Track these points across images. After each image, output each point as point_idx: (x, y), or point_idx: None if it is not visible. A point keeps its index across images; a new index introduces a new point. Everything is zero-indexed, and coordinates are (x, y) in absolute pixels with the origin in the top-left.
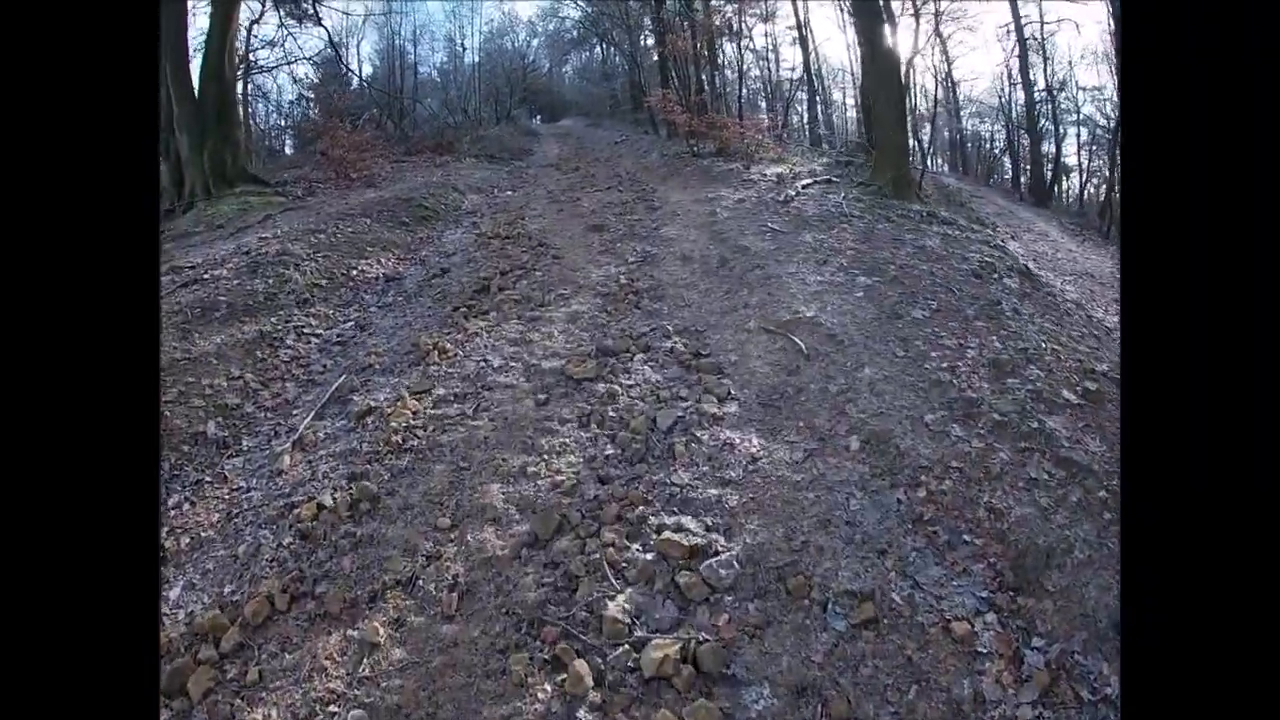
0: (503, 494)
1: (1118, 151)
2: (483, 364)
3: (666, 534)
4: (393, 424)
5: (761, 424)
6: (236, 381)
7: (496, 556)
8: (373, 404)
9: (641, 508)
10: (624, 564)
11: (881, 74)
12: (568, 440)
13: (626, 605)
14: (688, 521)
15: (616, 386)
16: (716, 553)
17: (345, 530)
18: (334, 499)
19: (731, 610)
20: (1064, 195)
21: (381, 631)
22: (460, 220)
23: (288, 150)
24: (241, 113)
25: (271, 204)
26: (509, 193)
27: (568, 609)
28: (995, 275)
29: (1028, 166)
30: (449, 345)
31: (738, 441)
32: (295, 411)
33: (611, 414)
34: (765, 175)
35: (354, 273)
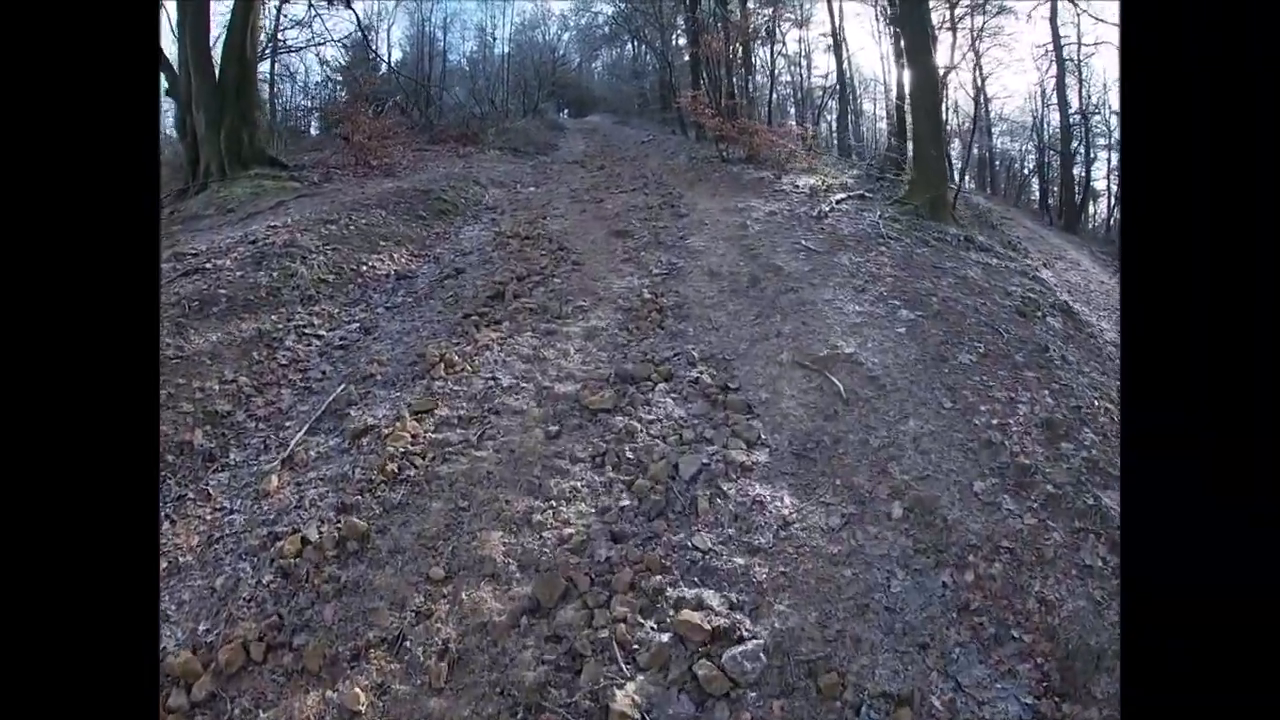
0: (504, 545)
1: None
2: (491, 382)
3: (685, 612)
4: (389, 448)
5: (794, 478)
6: (229, 385)
7: (493, 622)
8: (370, 421)
9: (658, 576)
10: (636, 645)
11: (923, 90)
12: (579, 484)
13: (636, 696)
14: (710, 596)
15: (635, 422)
16: (741, 638)
17: (329, 573)
18: (320, 533)
19: (754, 709)
20: (1091, 220)
21: (363, 698)
22: (479, 216)
23: (313, 132)
24: (267, 92)
25: (286, 189)
26: (531, 189)
27: (570, 694)
28: (1039, 314)
29: (1055, 189)
30: (457, 358)
31: (768, 499)
32: (288, 423)
33: (629, 455)
34: (797, 186)
35: (364, 268)
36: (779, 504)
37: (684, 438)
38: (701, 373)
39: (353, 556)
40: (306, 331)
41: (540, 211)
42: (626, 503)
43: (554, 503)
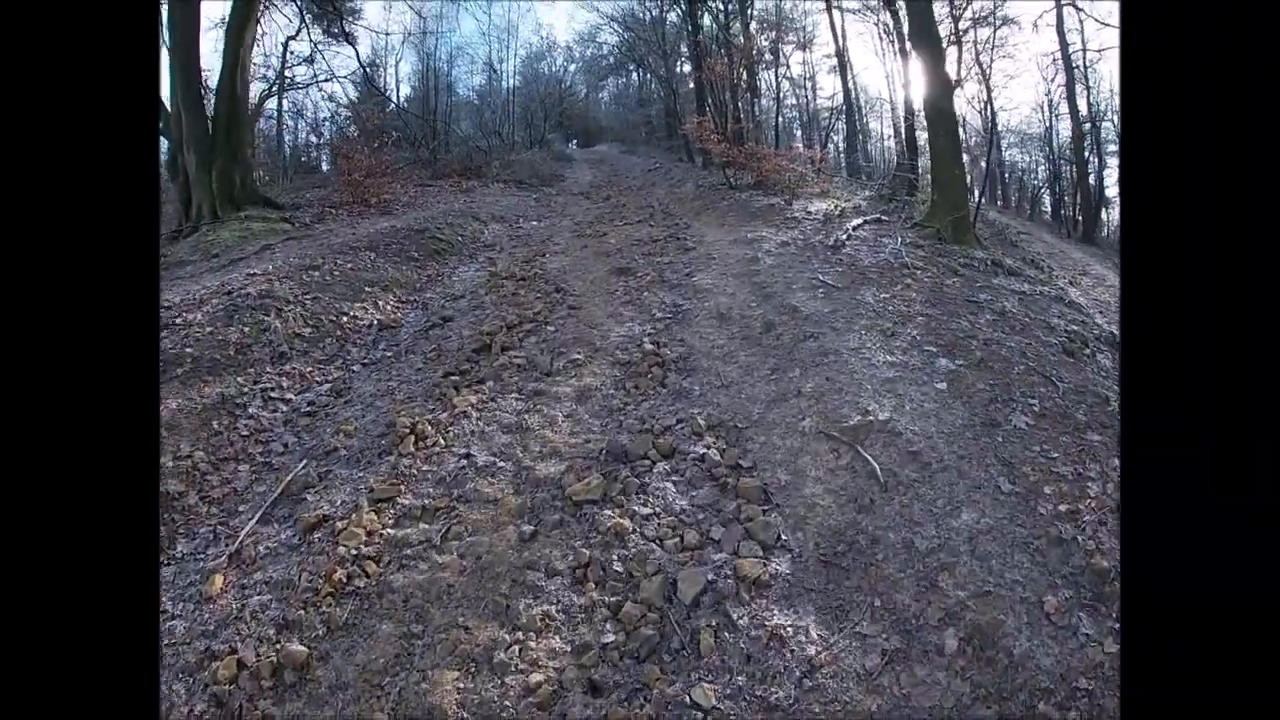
0: (458, 691)
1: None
2: (464, 461)
3: None
4: (341, 548)
5: (822, 597)
6: (184, 461)
7: None
8: (325, 511)
9: None
10: None
11: (939, 106)
12: (554, 609)
13: None
14: None
15: (627, 519)
16: None
17: (264, 709)
18: (257, 656)
19: None
20: (1105, 227)
21: None
22: (476, 255)
23: (325, 167)
24: (276, 128)
25: (275, 231)
26: (534, 223)
27: None
28: (1086, 351)
29: (1065, 199)
30: (429, 428)
31: (789, 631)
32: (241, 508)
33: (617, 566)
34: (810, 212)
35: (344, 319)
36: (803, 638)
37: (685, 541)
38: (709, 447)
39: (290, 690)
40: (273, 395)
41: (539, 248)
42: (611, 638)
43: (522, 634)
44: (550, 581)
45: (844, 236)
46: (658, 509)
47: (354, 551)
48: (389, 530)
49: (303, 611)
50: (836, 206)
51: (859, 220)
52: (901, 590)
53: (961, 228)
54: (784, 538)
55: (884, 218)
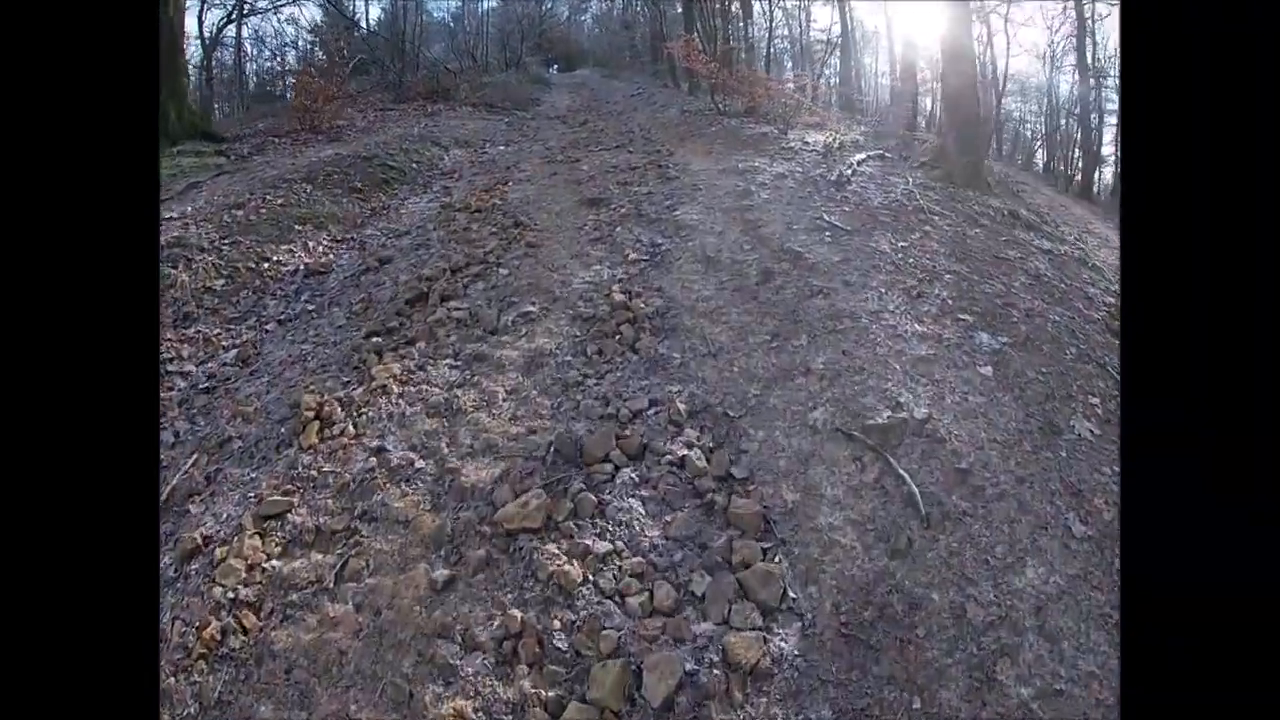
0: None
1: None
2: (375, 459)
3: None
4: (217, 588)
5: (844, 692)
6: None
7: None
8: (207, 531)
9: None
10: None
11: (956, 39)
12: (470, 705)
13: None
14: None
15: (574, 565)
16: None
17: None
18: None
19: None
20: (1095, 184)
21: None
22: (431, 184)
23: (289, 96)
24: (236, 56)
25: (206, 167)
26: (501, 148)
27: None
28: None
29: (1060, 153)
30: (338, 410)
31: None
32: None
33: (559, 640)
34: (807, 144)
35: (265, 266)
36: None
37: (655, 600)
38: (691, 445)
39: None
40: (171, 368)
41: (503, 175)
42: None
43: None
44: (468, 659)
45: (848, 171)
46: (619, 543)
47: (231, 594)
48: (274, 562)
49: (172, 679)
50: (835, 139)
51: (862, 155)
52: (949, 684)
53: (975, 172)
54: (791, 595)
55: (887, 154)
